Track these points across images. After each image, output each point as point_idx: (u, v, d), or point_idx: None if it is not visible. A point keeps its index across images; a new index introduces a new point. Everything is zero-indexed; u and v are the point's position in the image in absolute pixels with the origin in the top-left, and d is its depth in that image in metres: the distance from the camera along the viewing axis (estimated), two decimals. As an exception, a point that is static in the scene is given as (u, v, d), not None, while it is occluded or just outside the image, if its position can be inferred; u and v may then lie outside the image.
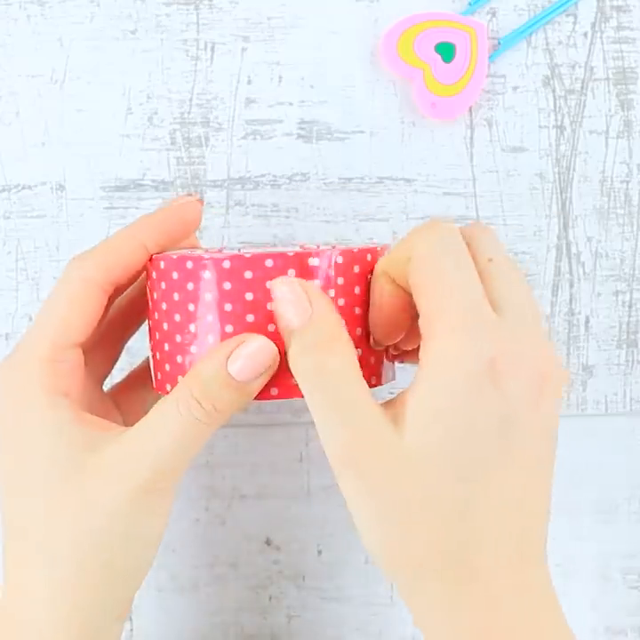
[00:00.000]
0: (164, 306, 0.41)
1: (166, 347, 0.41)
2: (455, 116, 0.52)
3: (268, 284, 0.38)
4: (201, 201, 0.43)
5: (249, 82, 0.52)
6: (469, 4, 0.52)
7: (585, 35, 0.53)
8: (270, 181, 0.53)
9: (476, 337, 0.37)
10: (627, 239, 0.54)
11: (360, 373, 0.38)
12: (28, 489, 0.40)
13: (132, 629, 0.53)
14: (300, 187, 0.53)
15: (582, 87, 0.53)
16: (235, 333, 0.39)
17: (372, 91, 0.53)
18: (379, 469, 0.37)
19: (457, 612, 0.37)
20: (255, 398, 0.39)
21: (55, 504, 0.40)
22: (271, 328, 0.39)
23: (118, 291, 0.43)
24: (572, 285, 0.54)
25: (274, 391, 0.39)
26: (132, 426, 0.40)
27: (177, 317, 0.40)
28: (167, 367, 0.41)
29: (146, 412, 0.45)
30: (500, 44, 0.52)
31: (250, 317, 0.39)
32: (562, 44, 0.53)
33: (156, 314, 0.41)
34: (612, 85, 0.53)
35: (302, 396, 0.38)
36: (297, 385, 0.38)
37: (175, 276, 0.40)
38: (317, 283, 0.39)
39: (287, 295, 0.38)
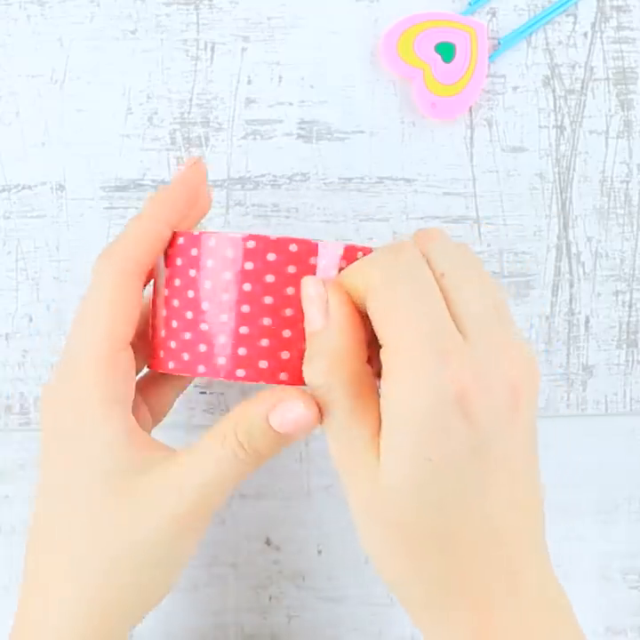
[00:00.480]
0: (177, 282, 0.40)
1: (174, 323, 0.40)
2: (455, 116, 0.52)
3: (302, 280, 0.39)
4: (200, 161, 0.42)
5: (249, 82, 0.52)
6: (469, 3, 0.52)
7: (585, 35, 0.53)
8: (270, 181, 0.53)
9: (438, 371, 0.36)
10: (627, 239, 0.54)
11: (356, 389, 0.38)
12: (69, 498, 0.40)
13: (131, 629, 0.54)
14: (299, 187, 0.53)
15: (582, 87, 0.53)
16: (251, 314, 0.39)
17: (372, 91, 0.53)
18: (362, 496, 0.38)
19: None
20: (266, 382, 0.40)
21: (96, 519, 0.40)
22: (289, 312, 0.39)
23: (149, 278, 0.42)
24: (571, 285, 0.54)
25: (283, 376, 0.40)
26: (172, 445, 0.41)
27: (190, 294, 0.40)
28: (172, 344, 0.41)
29: (170, 406, 0.46)
30: (500, 43, 0.52)
31: (268, 299, 0.39)
32: (562, 43, 0.53)
33: (165, 290, 0.41)
34: (611, 85, 0.53)
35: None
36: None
37: (194, 252, 0.40)
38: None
39: (313, 298, 0.38)
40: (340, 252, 0.40)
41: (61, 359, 0.41)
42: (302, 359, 0.39)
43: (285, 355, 0.40)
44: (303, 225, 0.53)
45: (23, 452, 0.53)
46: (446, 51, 0.52)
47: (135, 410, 0.45)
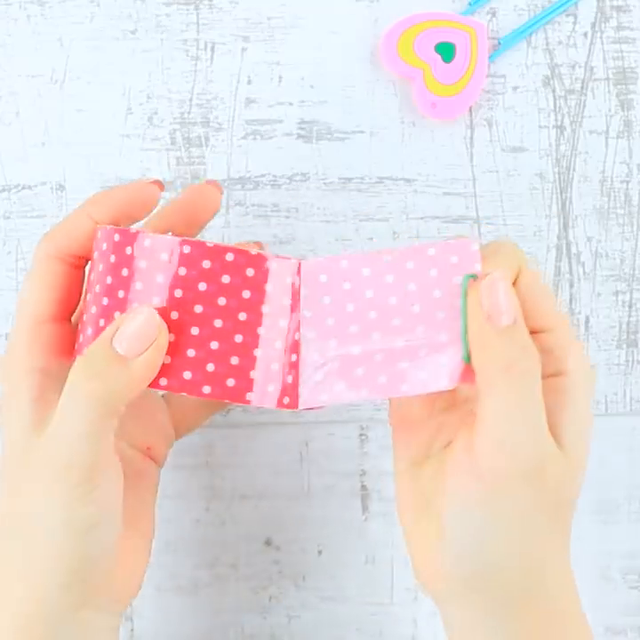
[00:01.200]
0: (92, 276, 0.40)
1: (102, 322, 0.40)
2: (455, 116, 0.52)
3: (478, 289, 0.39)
4: (160, 184, 0.42)
5: (249, 82, 0.52)
6: (469, 3, 0.52)
7: (585, 35, 0.53)
8: (270, 181, 0.53)
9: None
10: (627, 239, 0.54)
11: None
12: (2, 471, 0.42)
13: (132, 629, 0.53)
14: (299, 187, 0.53)
15: (582, 87, 0.53)
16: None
17: (372, 91, 0.53)
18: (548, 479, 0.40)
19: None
20: (150, 385, 0.39)
21: (9, 487, 0.41)
22: (174, 316, 0.38)
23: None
24: (571, 285, 0.54)
25: (163, 382, 0.39)
26: None
27: (97, 288, 0.40)
28: (80, 337, 0.41)
29: (200, 421, 0.50)
30: (500, 43, 0.52)
31: (156, 300, 0.38)
32: (562, 43, 0.53)
33: (97, 286, 0.41)
34: (611, 85, 0.53)
35: (194, 394, 0.38)
36: (190, 381, 0.38)
37: (104, 247, 0.40)
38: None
39: (490, 299, 0.39)
40: (290, 269, 0.39)
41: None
42: (228, 374, 0.38)
43: (210, 367, 0.39)
44: (303, 225, 0.53)
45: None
46: (446, 51, 0.52)
47: (150, 417, 0.46)
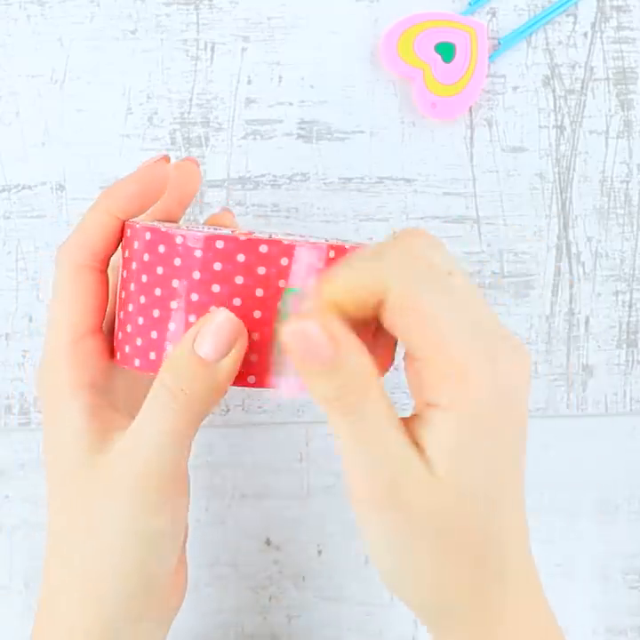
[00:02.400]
0: (144, 278, 0.40)
1: (141, 320, 0.40)
2: (455, 116, 0.52)
3: (284, 332, 0.36)
4: (167, 158, 0.42)
5: (249, 82, 0.52)
6: (469, 3, 0.52)
7: (585, 35, 0.53)
8: (270, 181, 0.53)
9: (495, 372, 0.36)
10: (627, 239, 0.54)
11: (392, 408, 0.37)
12: (53, 484, 0.41)
13: (131, 629, 0.53)
14: (299, 187, 0.53)
15: (582, 87, 0.53)
16: None
17: (372, 91, 0.53)
18: (417, 506, 0.36)
19: None
20: (232, 384, 0.38)
21: (67, 501, 0.40)
22: (257, 314, 0.38)
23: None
24: (571, 285, 0.54)
25: (251, 379, 0.39)
26: None
27: (158, 292, 0.39)
28: (138, 342, 0.40)
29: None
30: (500, 43, 0.52)
31: (237, 301, 0.38)
32: (562, 43, 0.53)
33: (131, 285, 0.40)
34: (611, 85, 0.53)
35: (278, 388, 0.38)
36: (276, 375, 0.38)
37: (162, 249, 0.39)
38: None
39: (299, 345, 0.35)
40: (315, 254, 0.39)
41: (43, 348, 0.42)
42: (270, 363, 0.38)
43: (254, 358, 0.39)
44: (303, 225, 0.53)
45: (23, 452, 0.53)
46: (446, 51, 0.52)
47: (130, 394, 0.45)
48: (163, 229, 0.39)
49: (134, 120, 0.52)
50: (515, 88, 0.53)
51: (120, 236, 0.41)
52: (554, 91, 0.53)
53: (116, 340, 0.41)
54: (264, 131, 0.52)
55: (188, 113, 0.52)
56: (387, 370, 0.41)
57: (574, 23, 0.53)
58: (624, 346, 0.54)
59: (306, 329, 0.35)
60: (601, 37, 0.53)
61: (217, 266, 0.38)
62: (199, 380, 0.38)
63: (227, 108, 0.52)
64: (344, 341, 0.35)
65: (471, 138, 0.53)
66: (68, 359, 0.41)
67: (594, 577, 0.55)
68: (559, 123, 0.53)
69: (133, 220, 0.41)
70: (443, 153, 0.53)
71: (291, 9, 0.52)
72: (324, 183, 0.53)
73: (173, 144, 0.52)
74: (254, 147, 0.52)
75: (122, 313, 0.41)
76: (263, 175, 0.53)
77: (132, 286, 0.40)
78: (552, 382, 0.54)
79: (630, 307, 0.54)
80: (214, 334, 0.37)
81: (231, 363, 0.38)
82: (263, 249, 0.38)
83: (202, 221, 0.52)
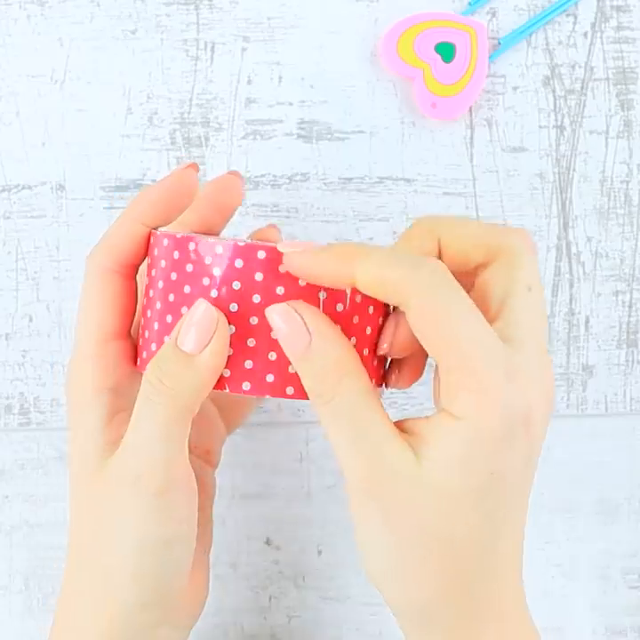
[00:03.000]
0: (160, 284, 0.40)
1: (156, 326, 0.40)
2: (455, 116, 0.52)
3: (272, 310, 0.37)
4: (195, 166, 0.42)
5: (249, 82, 0.52)
6: (469, 3, 0.52)
7: (585, 35, 0.53)
8: (270, 181, 0.53)
9: (508, 389, 0.36)
10: (627, 239, 0.54)
11: (374, 398, 0.37)
12: (71, 486, 0.42)
13: (132, 629, 0.53)
14: (299, 187, 0.53)
15: (582, 87, 0.53)
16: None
17: (372, 91, 0.53)
18: (398, 499, 0.36)
19: None
20: (230, 390, 0.38)
21: (80, 505, 0.41)
22: (254, 321, 0.38)
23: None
24: (571, 285, 0.54)
25: (246, 385, 0.38)
26: None
27: (171, 297, 0.39)
28: (153, 347, 0.40)
29: (245, 417, 0.49)
30: (500, 43, 0.52)
31: (233, 307, 0.38)
32: (562, 43, 0.53)
33: (151, 291, 0.41)
34: (611, 85, 0.53)
35: (276, 396, 0.38)
36: (270, 383, 0.38)
37: (176, 255, 0.39)
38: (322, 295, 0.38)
39: (282, 325, 0.37)
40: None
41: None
42: (266, 369, 0.38)
43: (249, 364, 0.38)
44: (303, 225, 0.53)
45: (23, 452, 0.53)
46: (446, 51, 0.52)
47: (206, 419, 0.46)
48: (178, 236, 0.39)
49: (134, 120, 0.52)
50: (515, 88, 0.53)
51: (147, 244, 0.41)
52: (554, 91, 0.53)
53: (137, 346, 0.42)
54: (264, 131, 0.52)
55: (188, 113, 0.52)
56: (415, 379, 0.41)
57: (574, 23, 0.53)
58: (624, 346, 0.54)
59: (290, 311, 0.37)
60: (601, 37, 0.53)
61: (216, 271, 0.38)
62: (180, 374, 0.38)
63: (227, 108, 0.52)
64: (319, 331, 0.36)
65: (471, 138, 0.53)
66: (94, 362, 0.41)
67: (594, 577, 0.55)
68: (559, 123, 0.53)
69: (164, 229, 0.41)
70: (443, 153, 0.53)
71: (291, 9, 0.52)
72: (324, 183, 0.53)
73: (173, 144, 0.52)
74: (254, 147, 0.52)
75: (142, 319, 0.41)
76: (263, 175, 0.53)
77: (151, 292, 0.40)
78: (552, 382, 0.54)
79: (630, 307, 0.54)
80: (193, 327, 0.37)
81: (210, 354, 0.37)
82: (261, 255, 0.38)
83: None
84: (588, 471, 0.55)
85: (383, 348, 0.39)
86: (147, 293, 0.41)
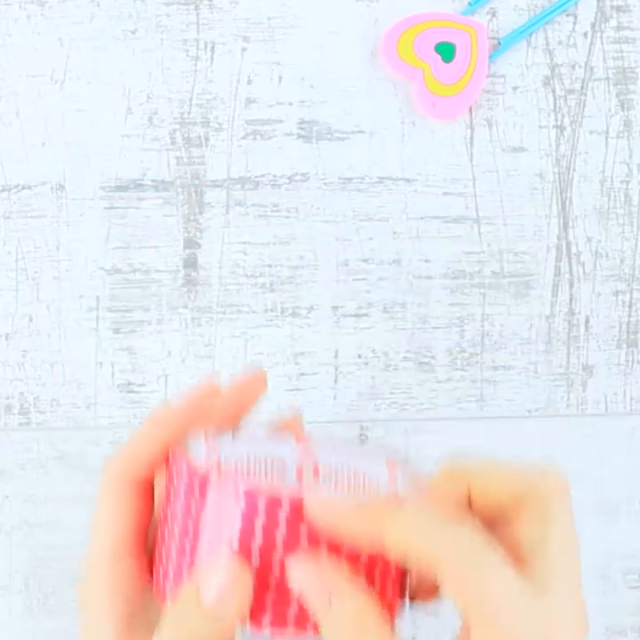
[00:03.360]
0: (178, 515, 0.38)
1: (158, 544, 0.39)
2: (455, 116, 0.52)
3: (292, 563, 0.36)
4: (216, 388, 0.41)
5: (249, 82, 0.52)
6: (469, 3, 0.52)
7: (585, 35, 0.53)
8: (270, 181, 0.53)
9: None
10: (627, 239, 0.54)
11: None
12: None
13: (131, 629, 0.53)
14: (299, 187, 0.53)
15: (582, 87, 0.53)
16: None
17: (372, 91, 0.53)
18: None
19: None
20: (253, 629, 0.38)
21: None
22: (275, 572, 0.37)
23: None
24: (571, 285, 0.54)
25: (265, 621, 0.37)
26: None
27: (170, 521, 0.38)
28: (171, 577, 0.39)
29: None
30: (500, 43, 0.52)
31: (255, 559, 0.37)
32: (562, 43, 0.53)
33: (162, 513, 0.40)
34: (611, 85, 0.53)
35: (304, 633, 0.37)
36: (295, 615, 0.37)
37: (174, 472, 0.38)
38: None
39: (302, 581, 0.36)
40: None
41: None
42: (286, 622, 0.37)
43: (266, 620, 0.37)
44: (303, 225, 0.53)
45: (23, 452, 0.53)
46: (446, 51, 0.52)
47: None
48: (198, 473, 0.37)
49: (134, 120, 0.52)
50: (515, 88, 0.53)
51: (166, 458, 0.41)
52: (554, 91, 0.53)
53: (153, 565, 0.41)
54: (264, 131, 0.52)
55: (188, 113, 0.52)
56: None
57: (574, 23, 0.53)
58: (624, 346, 0.54)
59: (310, 568, 0.36)
60: (601, 37, 0.53)
61: (236, 522, 0.37)
62: (204, 628, 0.37)
63: (227, 108, 0.52)
64: (339, 590, 0.36)
65: (471, 138, 0.53)
66: (107, 580, 0.40)
67: (594, 577, 0.55)
68: (559, 123, 0.53)
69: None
70: (443, 153, 0.53)
71: (291, 9, 0.52)
72: (324, 183, 0.53)
73: (173, 144, 0.52)
74: (254, 147, 0.52)
75: (159, 540, 0.40)
76: (263, 175, 0.53)
77: (162, 514, 0.39)
78: (552, 382, 0.54)
79: (630, 307, 0.54)
80: (214, 581, 0.37)
81: (231, 610, 0.37)
82: (285, 508, 0.36)
83: (201, 222, 0.52)
84: (587, 471, 0.55)
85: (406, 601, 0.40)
86: (163, 513, 0.39)
